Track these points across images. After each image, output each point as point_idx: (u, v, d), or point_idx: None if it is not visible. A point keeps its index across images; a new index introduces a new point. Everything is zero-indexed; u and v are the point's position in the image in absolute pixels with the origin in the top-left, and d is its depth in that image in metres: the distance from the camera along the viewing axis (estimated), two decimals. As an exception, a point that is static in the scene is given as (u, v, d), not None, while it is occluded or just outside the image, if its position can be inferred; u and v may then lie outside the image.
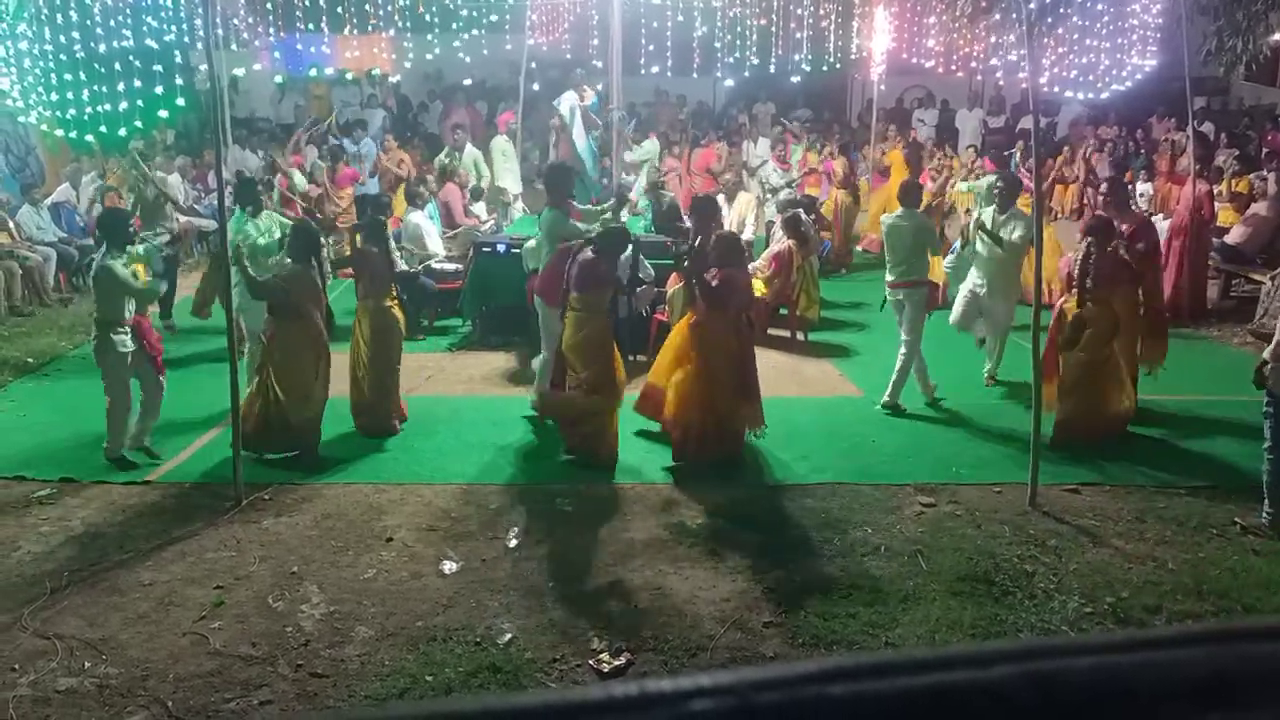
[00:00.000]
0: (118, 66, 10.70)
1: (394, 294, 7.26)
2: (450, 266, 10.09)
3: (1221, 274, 11.02)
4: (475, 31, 15.78)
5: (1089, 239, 6.90)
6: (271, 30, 14.92)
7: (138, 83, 10.42)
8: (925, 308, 7.52)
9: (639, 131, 14.24)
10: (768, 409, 7.35)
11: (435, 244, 10.20)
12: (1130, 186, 12.04)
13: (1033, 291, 6.35)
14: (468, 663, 4.43)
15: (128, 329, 6.46)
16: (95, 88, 10.99)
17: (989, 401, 7.77)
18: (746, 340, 6.59)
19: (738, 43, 15.28)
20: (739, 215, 11.19)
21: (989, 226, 7.85)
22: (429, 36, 15.40)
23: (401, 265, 7.90)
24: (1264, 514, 5.69)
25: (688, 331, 6.56)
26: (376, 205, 9.00)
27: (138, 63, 10.88)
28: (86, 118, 11.21)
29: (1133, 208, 8.30)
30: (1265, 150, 14.60)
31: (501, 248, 9.35)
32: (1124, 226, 7.43)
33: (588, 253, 6.52)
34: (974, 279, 8.03)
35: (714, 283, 6.39)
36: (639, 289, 8.75)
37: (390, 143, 14.51)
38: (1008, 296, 8.02)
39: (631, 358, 8.79)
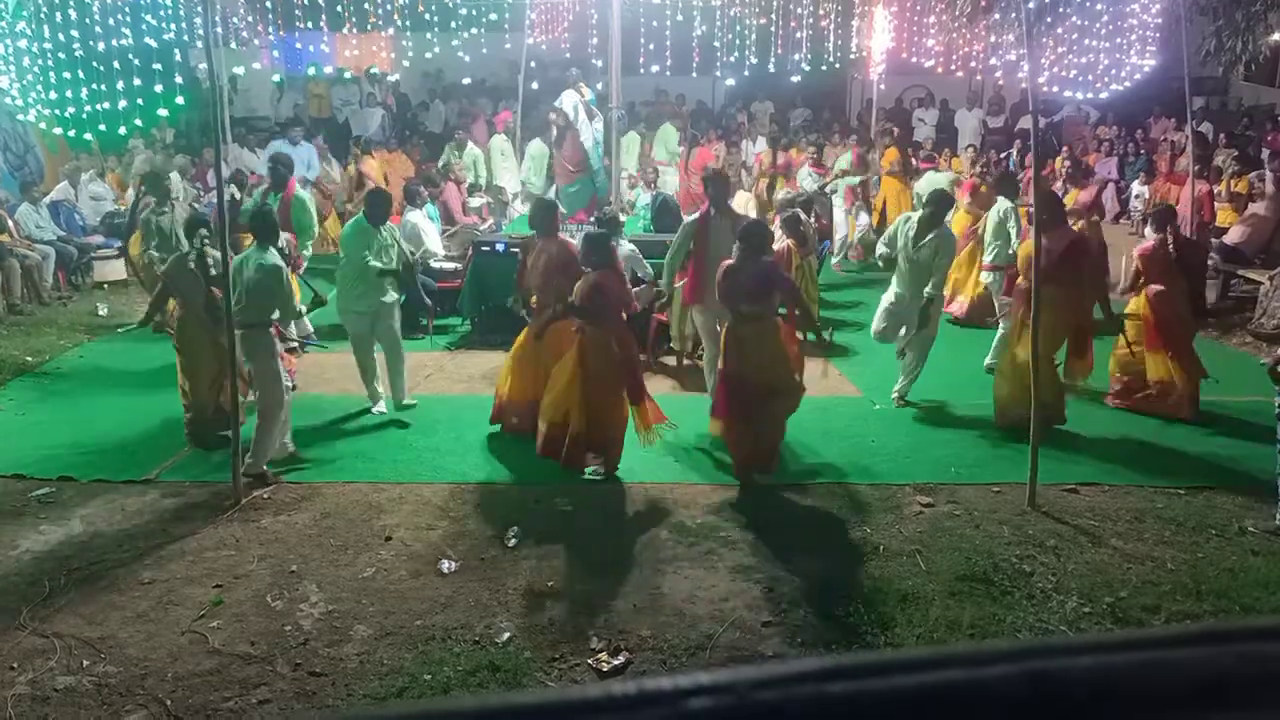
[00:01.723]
0: (117, 65, 10.68)
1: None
2: (449, 266, 10.09)
3: (1220, 274, 11.02)
4: (475, 30, 15.76)
5: (1170, 227, 7.33)
6: (271, 29, 14.90)
7: (137, 81, 10.41)
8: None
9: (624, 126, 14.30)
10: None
11: (434, 243, 10.19)
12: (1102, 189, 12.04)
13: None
14: (466, 662, 4.43)
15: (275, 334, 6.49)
16: (94, 86, 10.97)
17: (988, 402, 7.76)
18: (628, 343, 6.32)
19: (737, 42, 15.26)
20: (738, 215, 11.19)
21: (910, 246, 7.46)
22: (428, 35, 15.39)
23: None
24: (1278, 515, 5.70)
25: (576, 339, 6.33)
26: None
27: (137, 61, 10.87)
28: (85, 116, 11.20)
29: (1068, 222, 7.94)
30: (1269, 152, 14.57)
31: (500, 247, 9.36)
32: (1058, 244, 7.00)
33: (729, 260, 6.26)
34: (893, 291, 7.62)
35: (582, 299, 6.19)
36: (638, 288, 8.77)
37: (357, 153, 14.21)
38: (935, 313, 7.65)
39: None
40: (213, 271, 6.74)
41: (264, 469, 6.34)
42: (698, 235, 7.39)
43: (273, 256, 6.49)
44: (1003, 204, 9.07)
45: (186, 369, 6.92)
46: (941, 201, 7.67)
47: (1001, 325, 8.40)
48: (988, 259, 9.18)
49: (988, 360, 8.41)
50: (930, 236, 7.38)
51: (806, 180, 12.23)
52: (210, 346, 6.81)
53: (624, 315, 6.41)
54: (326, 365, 8.32)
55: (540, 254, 7.02)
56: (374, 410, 7.51)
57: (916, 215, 7.65)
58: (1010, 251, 8.67)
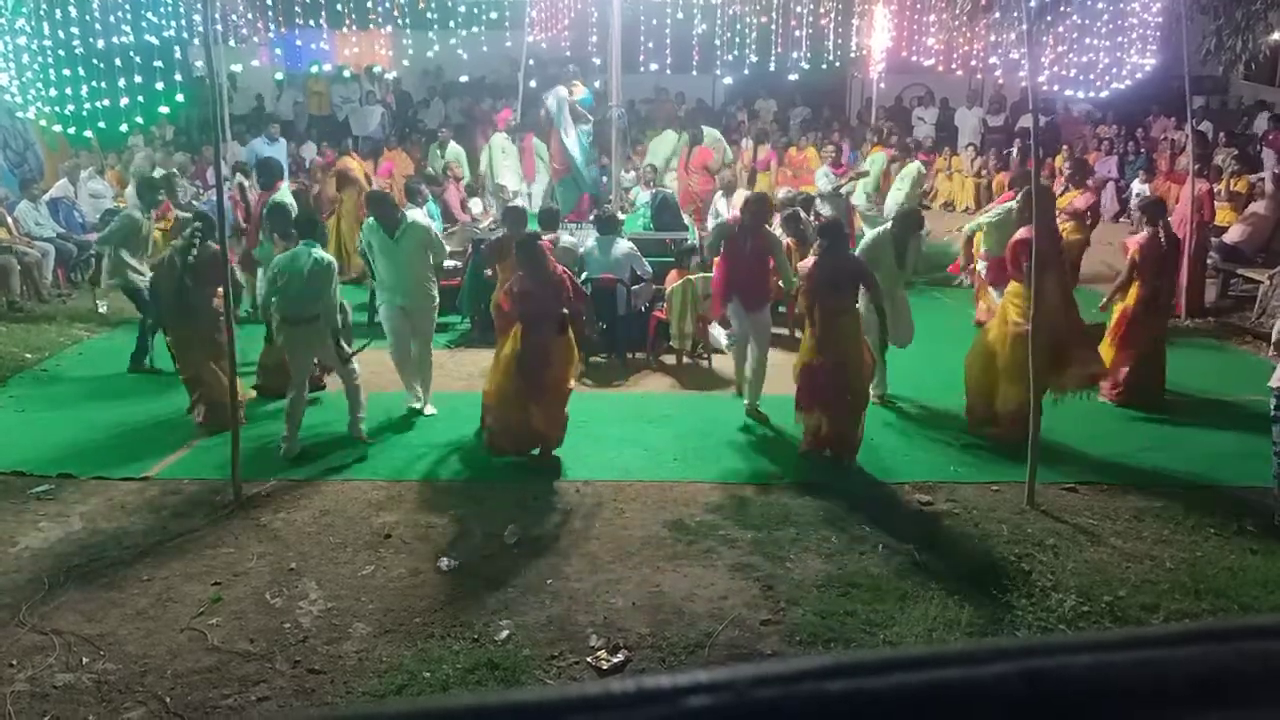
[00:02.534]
0: (117, 62, 10.67)
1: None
2: (449, 263, 10.09)
3: (1220, 273, 11.03)
4: (475, 28, 15.76)
5: (1161, 220, 7.63)
6: (271, 26, 14.89)
7: (137, 78, 10.40)
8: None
9: (636, 129, 14.25)
10: (766, 406, 7.36)
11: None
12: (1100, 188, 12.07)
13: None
14: (465, 659, 4.43)
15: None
16: (94, 83, 10.96)
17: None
18: (542, 344, 6.38)
19: (737, 40, 15.26)
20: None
21: (895, 268, 7.51)
22: (428, 33, 15.38)
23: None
24: (1277, 514, 5.70)
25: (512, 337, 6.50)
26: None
27: (137, 58, 10.86)
28: (85, 113, 11.19)
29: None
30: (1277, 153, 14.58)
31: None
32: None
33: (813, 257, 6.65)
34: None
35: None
36: (637, 286, 8.77)
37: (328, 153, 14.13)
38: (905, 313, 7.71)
39: (631, 355, 8.82)
40: (190, 259, 6.97)
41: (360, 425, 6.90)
42: (730, 244, 7.40)
43: (322, 253, 6.66)
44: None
45: (182, 372, 7.20)
46: (907, 221, 7.72)
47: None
48: (984, 249, 9.08)
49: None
50: (910, 252, 7.59)
51: (822, 180, 11.92)
52: (201, 348, 7.01)
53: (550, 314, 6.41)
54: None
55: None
56: (415, 407, 7.52)
57: (883, 237, 7.61)
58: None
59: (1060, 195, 10.27)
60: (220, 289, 7.26)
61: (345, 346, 6.90)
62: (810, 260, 6.73)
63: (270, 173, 9.12)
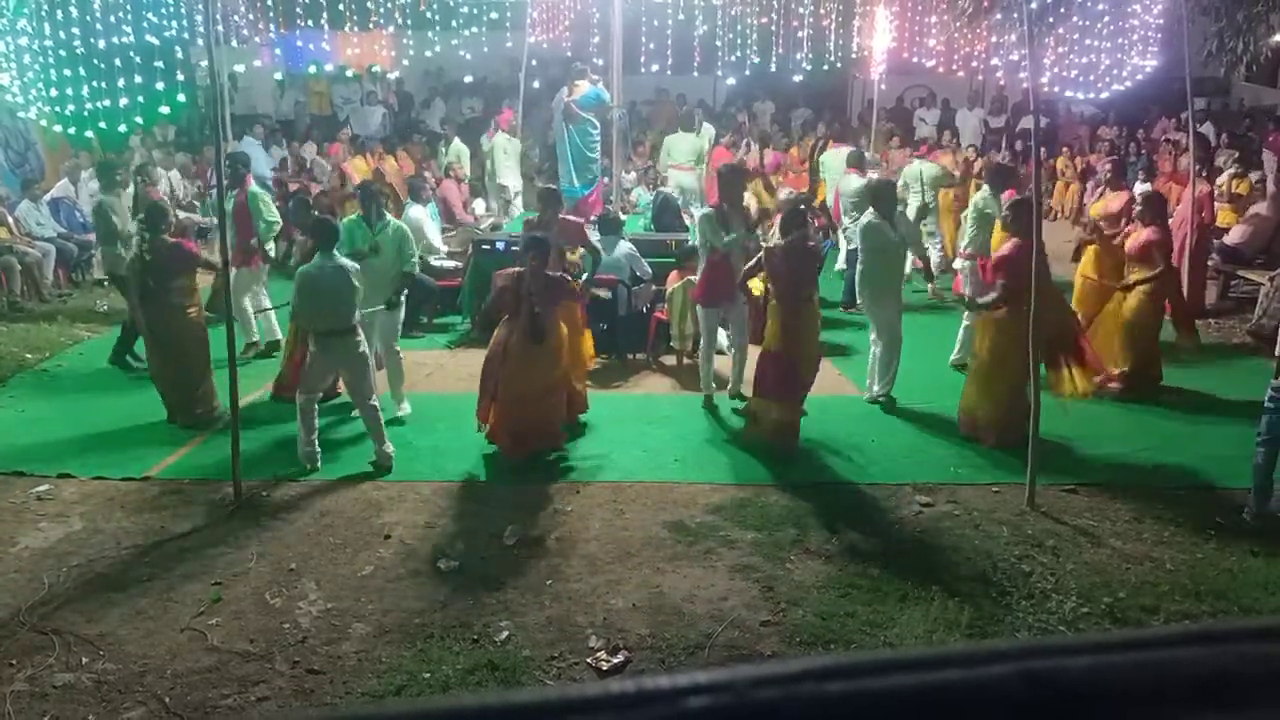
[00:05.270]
0: (118, 62, 10.68)
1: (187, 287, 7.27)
2: (449, 264, 10.11)
3: (1220, 274, 11.03)
4: (476, 28, 15.78)
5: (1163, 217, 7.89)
6: (272, 26, 14.91)
7: (138, 79, 10.41)
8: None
9: (638, 129, 14.23)
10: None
11: (435, 237, 10.24)
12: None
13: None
14: (465, 660, 4.43)
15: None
16: (95, 84, 10.97)
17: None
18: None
19: (738, 41, 15.26)
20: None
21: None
22: (430, 33, 15.40)
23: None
24: (1273, 502, 5.70)
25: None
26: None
27: (138, 59, 10.86)
28: (86, 114, 11.20)
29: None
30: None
31: (500, 245, 9.36)
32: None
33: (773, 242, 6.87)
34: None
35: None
36: (637, 287, 8.77)
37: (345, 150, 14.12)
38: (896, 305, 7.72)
39: (631, 356, 8.82)
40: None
41: (387, 452, 6.53)
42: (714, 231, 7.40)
43: (342, 260, 6.46)
44: (985, 192, 8.75)
45: (150, 370, 7.42)
46: (882, 193, 7.82)
47: (966, 318, 8.29)
48: (963, 246, 8.81)
49: (954, 356, 8.41)
50: (900, 224, 7.76)
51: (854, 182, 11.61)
52: (171, 347, 7.12)
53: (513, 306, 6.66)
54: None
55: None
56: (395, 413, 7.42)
57: (875, 220, 7.57)
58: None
59: (1097, 200, 10.26)
60: (196, 283, 7.34)
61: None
62: (771, 246, 6.86)
63: (240, 168, 8.89)
